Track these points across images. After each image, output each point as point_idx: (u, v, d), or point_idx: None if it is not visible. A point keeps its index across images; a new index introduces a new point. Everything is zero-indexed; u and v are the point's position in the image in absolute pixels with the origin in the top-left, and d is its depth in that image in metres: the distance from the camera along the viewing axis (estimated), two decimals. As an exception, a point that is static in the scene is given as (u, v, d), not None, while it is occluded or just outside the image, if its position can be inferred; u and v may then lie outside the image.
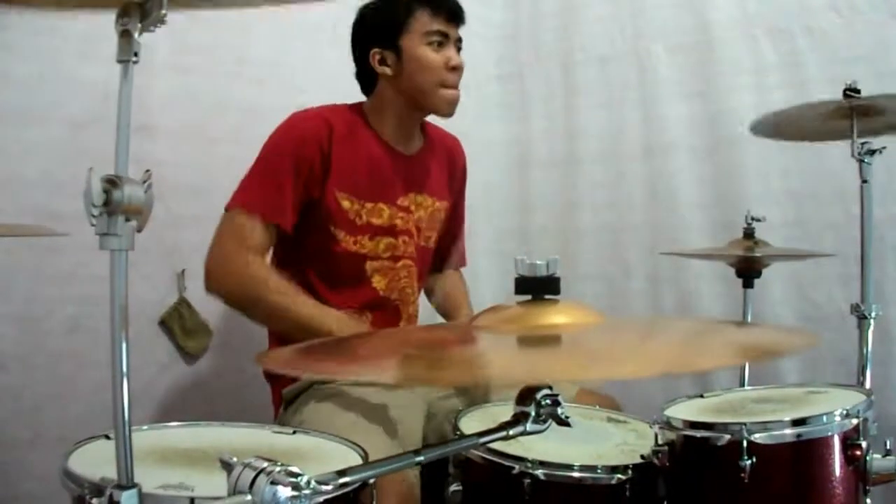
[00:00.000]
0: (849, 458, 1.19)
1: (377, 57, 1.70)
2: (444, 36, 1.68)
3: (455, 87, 1.71)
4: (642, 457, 1.25)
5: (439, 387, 1.65)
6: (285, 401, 1.63)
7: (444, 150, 1.89)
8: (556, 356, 0.97)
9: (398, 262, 1.74)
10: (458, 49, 1.72)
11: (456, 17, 1.70)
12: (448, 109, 1.72)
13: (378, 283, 1.72)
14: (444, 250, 1.94)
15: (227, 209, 1.61)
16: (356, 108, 1.76)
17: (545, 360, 0.96)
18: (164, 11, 0.79)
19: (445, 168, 1.87)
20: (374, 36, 1.71)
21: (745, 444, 1.16)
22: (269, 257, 1.67)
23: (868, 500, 1.22)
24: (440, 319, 1.97)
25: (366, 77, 1.75)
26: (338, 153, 1.65)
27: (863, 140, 1.60)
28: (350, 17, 1.78)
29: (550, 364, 0.93)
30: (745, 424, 1.18)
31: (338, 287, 1.69)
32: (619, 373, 1.08)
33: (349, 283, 1.69)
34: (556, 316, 0.99)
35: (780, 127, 1.80)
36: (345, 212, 1.66)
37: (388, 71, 1.70)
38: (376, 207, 1.69)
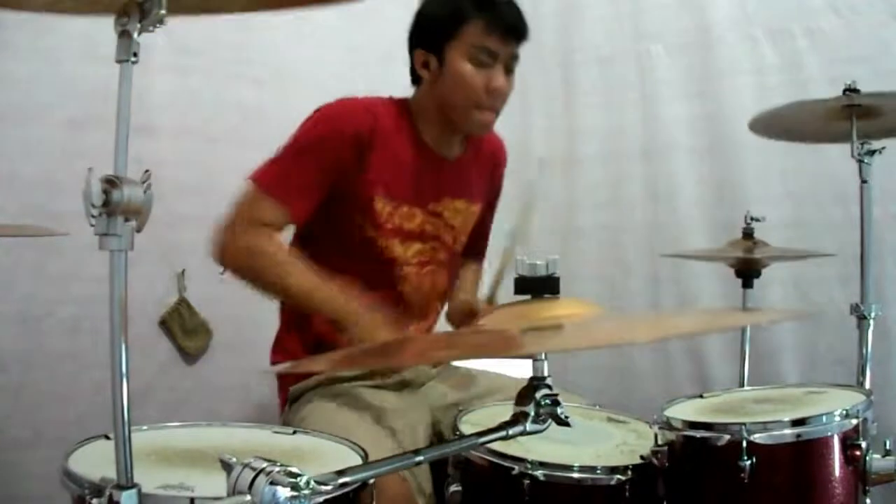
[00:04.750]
0: (848, 459, 1.19)
1: (421, 59, 1.60)
2: (493, 55, 1.55)
3: (491, 109, 1.60)
4: (642, 457, 1.25)
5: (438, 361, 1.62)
6: (291, 398, 1.63)
7: (488, 152, 1.81)
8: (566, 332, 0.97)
9: (424, 267, 1.67)
10: (509, 70, 1.59)
11: (513, 34, 1.56)
12: (479, 132, 1.65)
13: (404, 287, 1.65)
14: (467, 245, 1.82)
15: (249, 179, 1.52)
16: (403, 104, 1.66)
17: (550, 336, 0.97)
18: (163, 11, 0.79)
19: (486, 171, 1.80)
20: (422, 36, 1.61)
21: (744, 444, 1.16)
22: (281, 237, 1.57)
23: (868, 500, 1.22)
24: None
25: (413, 72, 1.66)
26: (378, 152, 1.56)
27: (862, 140, 1.60)
28: (352, 18, 1.78)
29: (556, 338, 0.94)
30: (744, 425, 1.18)
31: (364, 288, 1.56)
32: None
33: (376, 286, 1.58)
34: (557, 310, 1.00)
35: (778, 126, 1.80)
36: (377, 214, 1.58)
37: (428, 76, 1.60)
38: (410, 211, 1.62)
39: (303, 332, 1.65)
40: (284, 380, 1.68)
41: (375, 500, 1.00)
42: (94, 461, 0.97)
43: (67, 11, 0.91)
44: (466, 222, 1.75)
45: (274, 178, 1.52)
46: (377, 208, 1.57)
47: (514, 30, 1.57)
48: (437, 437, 1.58)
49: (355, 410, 1.48)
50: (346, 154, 1.53)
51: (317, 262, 1.54)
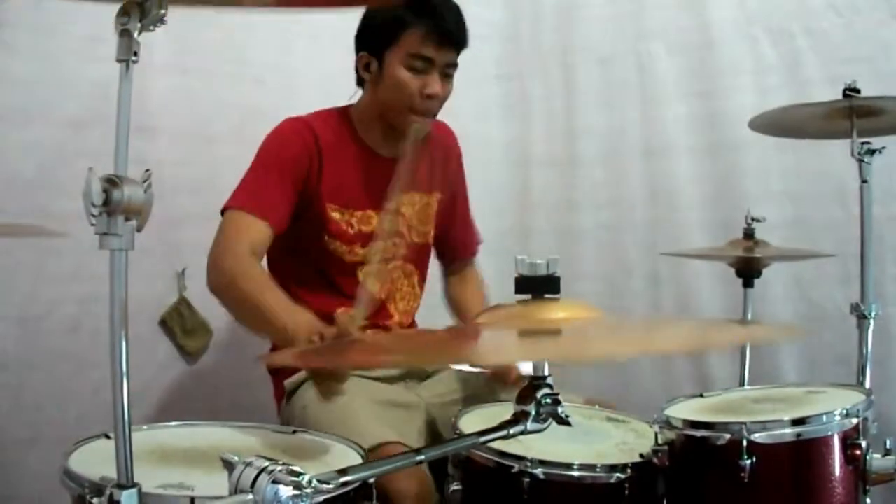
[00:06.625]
0: (848, 458, 1.19)
1: (364, 61, 1.67)
2: (429, 62, 1.60)
3: (426, 114, 1.65)
4: (642, 456, 1.25)
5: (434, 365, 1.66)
6: (287, 392, 1.64)
7: (437, 142, 1.82)
8: (557, 343, 0.97)
9: (387, 264, 1.72)
10: (447, 75, 1.64)
11: (449, 42, 1.61)
12: (413, 135, 1.68)
13: (372, 286, 1.68)
14: (450, 241, 1.91)
15: (223, 211, 1.59)
16: (344, 112, 1.74)
17: (546, 345, 0.97)
18: (163, 11, 0.79)
19: (435, 160, 1.81)
20: (366, 39, 1.67)
21: (744, 443, 1.16)
22: (263, 255, 1.61)
23: (868, 500, 1.22)
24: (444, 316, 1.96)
25: (358, 73, 1.72)
26: (328, 164, 1.65)
27: (862, 140, 1.60)
28: (352, 18, 1.78)
29: (551, 348, 0.94)
30: (744, 424, 1.18)
31: (332, 292, 1.69)
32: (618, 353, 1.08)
33: (344, 289, 1.68)
34: (556, 313, 1.00)
35: (779, 124, 1.80)
36: (336, 223, 1.66)
37: (369, 78, 1.67)
38: (366, 215, 1.69)
39: None
40: (278, 376, 1.70)
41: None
42: (94, 461, 0.97)
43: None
44: (424, 214, 1.79)
45: (247, 196, 1.59)
46: (334, 218, 1.66)
47: (451, 38, 1.62)
48: (433, 435, 1.59)
49: (354, 398, 1.49)
50: (305, 166, 1.63)
51: (285, 278, 1.63)
